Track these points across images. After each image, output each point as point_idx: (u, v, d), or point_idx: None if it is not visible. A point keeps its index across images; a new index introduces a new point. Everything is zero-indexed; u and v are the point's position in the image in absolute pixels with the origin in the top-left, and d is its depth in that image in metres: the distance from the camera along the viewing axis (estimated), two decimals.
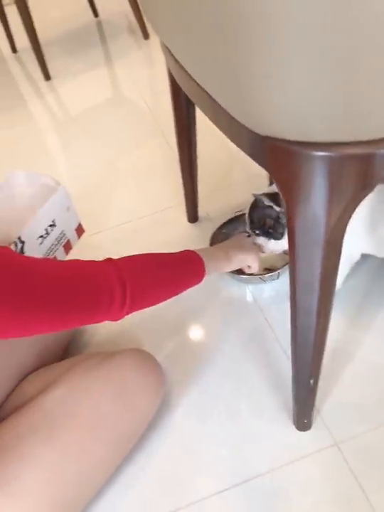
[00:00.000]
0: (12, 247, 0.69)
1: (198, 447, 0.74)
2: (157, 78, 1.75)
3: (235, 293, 0.95)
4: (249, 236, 0.86)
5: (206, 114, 0.59)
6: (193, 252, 0.73)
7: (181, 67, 0.60)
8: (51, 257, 0.79)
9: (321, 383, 0.67)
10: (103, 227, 1.17)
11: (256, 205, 0.81)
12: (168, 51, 0.67)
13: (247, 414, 0.76)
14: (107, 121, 1.60)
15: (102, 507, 0.70)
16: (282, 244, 0.82)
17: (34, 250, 0.72)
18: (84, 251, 0.88)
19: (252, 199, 0.81)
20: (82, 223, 0.88)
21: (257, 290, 0.94)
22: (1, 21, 2.10)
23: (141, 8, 0.67)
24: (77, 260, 0.58)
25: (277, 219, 0.79)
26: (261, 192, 0.79)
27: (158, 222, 1.14)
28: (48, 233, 0.74)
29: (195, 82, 0.54)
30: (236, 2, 0.33)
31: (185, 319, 0.92)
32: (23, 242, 0.69)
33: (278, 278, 0.92)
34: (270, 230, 0.80)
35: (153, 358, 0.75)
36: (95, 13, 2.25)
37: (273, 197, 0.78)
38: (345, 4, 0.30)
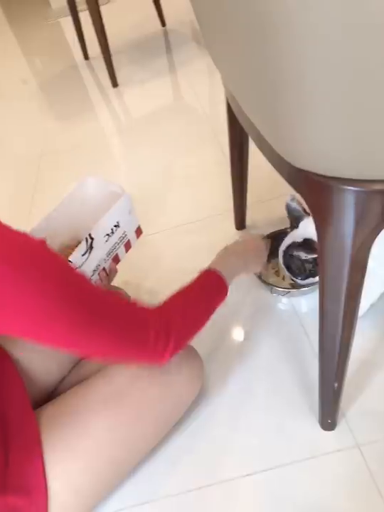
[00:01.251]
0: (83, 242, 0.78)
1: (230, 434, 0.82)
2: (217, 88, 1.83)
3: (273, 299, 1.02)
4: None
5: (253, 140, 0.67)
6: (213, 272, 0.78)
7: (233, 95, 0.68)
8: (114, 253, 0.88)
9: (348, 389, 0.73)
10: (157, 228, 1.27)
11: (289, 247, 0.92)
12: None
13: (277, 409, 0.83)
14: (166, 127, 1.71)
15: (144, 475, 0.80)
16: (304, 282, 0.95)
17: (101, 246, 0.82)
18: (141, 249, 0.98)
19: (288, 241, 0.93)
20: (140, 226, 0.98)
21: (295, 298, 1.01)
22: (76, 29, 2.27)
23: (203, 42, 0.75)
24: (133, 302, 0.65)
25: (303, 263, 0.89)
26: (291, 241, 0.91)
27: (208, 226, 1.23)
28: (113, 232, 0.84)
29: (247, 115, 0.62)
30: (278, 57, 0.41)
31: (227, 320, 1.00)
32: (92, 239, 0.79)
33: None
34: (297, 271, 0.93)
35: (196, 352, 0.83)
36: (163, 23, 2.38)
37: (308, 245, 0.88)
38: (368, 65, 0.37)
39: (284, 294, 1.00)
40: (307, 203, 0.54)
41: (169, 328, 0.64)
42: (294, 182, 0.53)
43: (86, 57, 2.36)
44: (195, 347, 0.84)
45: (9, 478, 0.64)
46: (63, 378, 0.84)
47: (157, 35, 2.36)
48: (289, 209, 0.94)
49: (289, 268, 0.95)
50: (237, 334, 0.99)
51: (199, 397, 0.85)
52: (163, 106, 1.85)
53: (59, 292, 0.51)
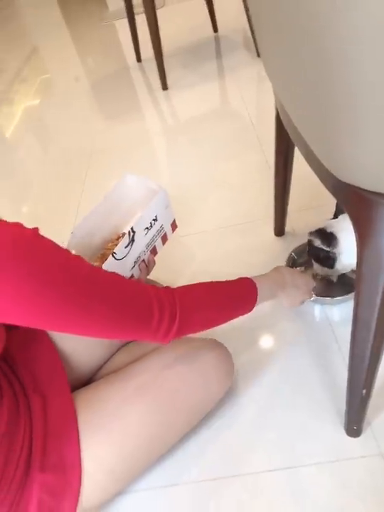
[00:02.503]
0: (126, 236, 0.84)
1: (256, 431, 0.86)
2: (264, 96, 1.86)
3: (307, 305, 1.04)
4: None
5: (300, 152, 0.70)
6: (251, 282, 0.78)
7: (285, 109, 0.72)
8: (152, 246, 0.94)
9: (376, 399, 0.75)
10: (194, 230, 1.31)
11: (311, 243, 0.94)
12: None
13: (304, 411, 0.86)
14: (212, 132, 1.75)
15: (172, 460, 0.84)
16: (334, 271, 0.95)
17: (141, 239, 0.87)
18: (175, 250, 1.02)
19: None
20: (175, 220, 1.03)
21: (328, 306, 1.02)
22: (131, 31, 2.35)
23: (260, 55, 0.79)
24: (140, 282, 0.67)
25: (328, 254, 0.90)
26: (321, 227, 0.92)
27: (246, 231, 1.26)
28: (151, 226, 0.89)
29: (295, 126, 0.65)
30: (332, 73, 0.44)
31: (259, 323, 1.03)
32: (134, 232, 0.85)
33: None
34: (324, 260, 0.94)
35: (227, 350, 0.87)
36: (215, 28, 2.43)
37: (327, 237, 0.90)
38: None
39: (314, 300, 1.02)
40: (350, 215, 0.56)
41: (176, 311, 0.63)
42: (338, 195, 0.56)
43: (139, 59, 2.44)
44: (226, 345, 0.88)
45: (47, 457, 0.68)
46: (100, 368, 0.89)
47: (208, 41, 2.41)
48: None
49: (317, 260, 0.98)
50: (268, 337, 1.02)
51: (227, 395, 0.89)
52: (210, 110, 1.90)
53: (47, 281, 0.51)
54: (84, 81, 2.66)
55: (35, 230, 0.53)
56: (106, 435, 0.73)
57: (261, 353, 0.99)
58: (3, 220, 0.51)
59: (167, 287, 0.68)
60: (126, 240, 0.83)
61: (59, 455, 0.69)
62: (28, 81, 2.89)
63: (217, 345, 0.86)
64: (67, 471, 0.69)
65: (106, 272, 0.61)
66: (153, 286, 0.65)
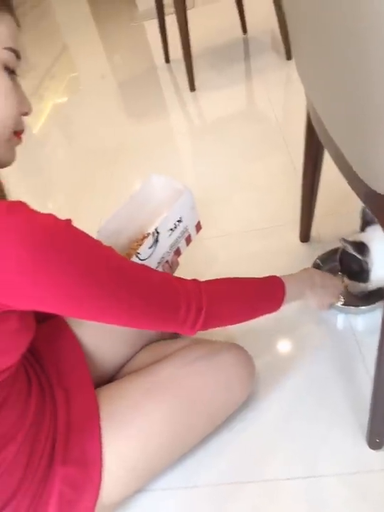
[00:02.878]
0: (150, 236, 0.84)
1: (276, 437, 0.85)
2: (292, 99, 1.85)
3: (331, 314, 1.02)
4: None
5: (332, 158, 0.69)
6: (279, 280, 0.78)
7: (317, 113, 0.71)
8: (176, 246, 0.94)
9: None
10: (218, 232, 1.31)
11: (345, 250, 0.91)
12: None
13: (325, 421, 0.85)
14: (238, 133, 1.75)
15: (192, 461, 0.84)
16: (366, 287, 0.92)
17: (165, 240, 0.88)
18: (198, 251, 1.02)
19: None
20: (200, 221, 1.03)
21: (352, 315, 1.00)
22: (161, 32, 2.36)
23: (293, 57, 0.78)
24: (168, 274, 0.67)
25: (361, 265, 0.88)
26: (350, 239, 0.89)
27: (270, 236, 1.25)
28: (176, 227, 0.90)
29: (328, 132, 0.64)
30: (372, 81, 0.43)
31: (283, 328, 1.02)
32: (158, 233, 0.85)
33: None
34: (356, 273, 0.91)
35: (249, 355, 0.86)
36: (244, 30, 2.42)
37: (359, 246, 0.87)
38: None
39: (341, 311, 1.01)
40: (381, 224, 0.55)
41: (203, 302, 0.65)
42: (369, 203, 0.55)
43: (167, 60, 2.44)
44: (247, 348, 0.87)
45: (69, 450, 0.69)
46: (122, 366, 0.90)
47: (237, 42, 2.40)
48: (364, 212, 0.94)
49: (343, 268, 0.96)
50: (291, 342, 1.01)
51: (249, 400, 0.89)
52: (236, 112, 1.89)
53: (82, 267, 0.52)
54: (111, 80, 2.68)
55: (68, 220, 0.54)
56: (128, 432, 0.74)
57: (283, 358, 0.98)
58: (37, 211, 0.52)
59: (194, 279, 0.68)
60: (150, 240, 0.83)
61: (81, 449, 0.70)
62: (57, 78, 2.94)
63: (238, 348, 0.86)
64: (89, 465, 0.70)
65: (135, 263, 0.62)
66: (180, 278, 0.66)
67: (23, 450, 0.66)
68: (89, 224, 1.48)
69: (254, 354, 0.88)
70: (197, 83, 2.09)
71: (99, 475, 0.70)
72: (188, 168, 1.71)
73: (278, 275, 0.80)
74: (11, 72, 0.57)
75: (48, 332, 0.82)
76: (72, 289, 0.53)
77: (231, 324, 0.73)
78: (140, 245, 0.93)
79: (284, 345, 1.01)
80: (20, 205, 0.51)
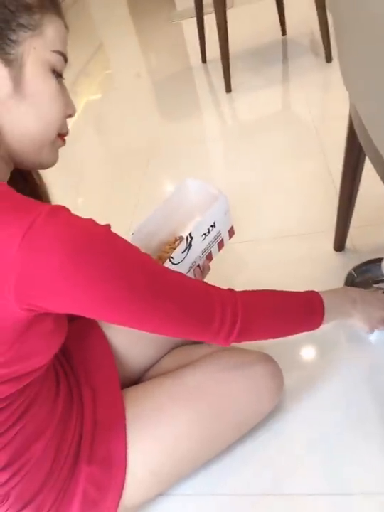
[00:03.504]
0: (183, 241, 0.84)
1: (301, 450, 0.83)
2: (330, 103, 1.81)
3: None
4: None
5: (374, 166, 0.67)
6: (318, 297, 0.74)
7: (360, 119, 0.68)
8: (208, 251, 0.93)
9: None
10: (248, 237, 1.29)
11: None
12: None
13: (353, 437, 0.82)
14: (272, 137, 1.72)
15: (215, 469, 0.83)
16: None
17: (198, 244, 0.87)
18: (228, 256, 1.01)
19: None
20: (233, 226, 1.02)
21: None
22: (199, 32, 2.35)
23: (339, 61, 0.76)
24: (204, 282, 0.65)
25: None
26: None
27: (302, 243, 1.23)
28: (209, 232, 0.89)
29: (372, 141, 0.62)
30: None
31: (313, 338, 1.00)
32: (192, 238, 0.85)
33: None
34: None
35: (277, 364, 0.85)
36: (283, 31, 2.38)
37: None
38: None
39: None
40: None
41: (238, 314, 0.63)
42: None
43: (203, 60, 2.43)
44: (277, 358, 0.86)
45: (95, 450, 0.70)
46: (148, 369, 0.90)
47: (275, 44, 2.37)
48: None
49: None
50: (322, 355, 0.99)
51: (276, 410, 0.87)
52: (272, 115, 1.87)
53: (120, 272, 0.52)
54: (146, 79, 2.69)
55: (108, 226, 0.54)
56: (153, 435, 0.73)
57: (312, 370, 0.95)
58: (77, 216, 0.52)
59: (230, 289, 0.67)
60: (183, 245, 0.83)
61: (106, 450, 0.70)
62: (91, 75, 2.97)
63: (268, 359, 0.84)
64: (113, 466, 0.70)
65: (172, 270, 0.61)
66: (216, 287, 0.65)
67: (50, 447, 0.66)
68: (120, 223, 1.49)
69: (283, 364, 0.86)
70: (233, 84, 2.08)
71: (123, 476, 0.70)
72: (220, 171, 1.69)
73: (318, 292, 0.76)
74: (58, 75, 0.58)
75: (78, 330, 0.83)
76: (110, 293, 0.53)
77: (266, 339, 0.71)
78: (173, 249, 0.93)
79: (313, 357, 0.99)
80: (61, 210, 0.51)
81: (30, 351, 0.57)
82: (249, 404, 0.80)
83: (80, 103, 2.59)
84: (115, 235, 0.55)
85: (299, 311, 0.73)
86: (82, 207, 1.70)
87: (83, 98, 2.67)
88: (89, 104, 2.59)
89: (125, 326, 0.58)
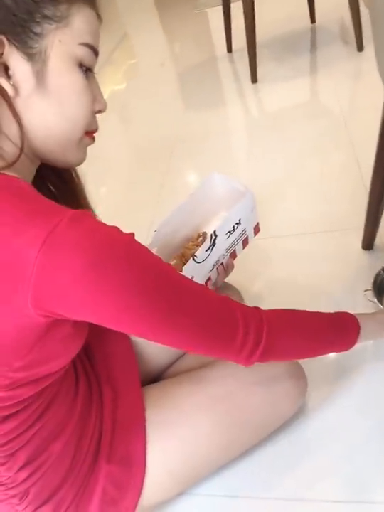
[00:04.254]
0: (207, 239, 0.82)
1: (324, 456, 0.81)
2: (361, 93, 1.74)
3: None
4: None
5: None
6: (351, 318, 0.71)
7: None
8: (232, 249, 0.91)
9: None
10: (273, 233, 1.25)
11: None
12: None
13: (377, 444, 0.79)
14: (299, 129, 1.67)
15: (235, 470, 0.82)
16: None
17: (222, 242, 0.85)
18: (252, 252, 0.98)
19: None
20: (259, 223, 0.99)
21: None
22: (225, 20, 2.29)
23: (375, 52, 0.72)
24: (228, 298, 0.62)
25: None
26: None
27: (329, 240, 1.18)
28: (234, 230, 0.86)
29: None
30: None
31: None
32: (216, 235, 0.82)
33: None
34: None
35: (302, 370, 0.82)
36: (313, 19, 2.30)
37: None
38: None
39: None
40: None
41: (263, 335, 0.60)
42: None
43: (229, 49, 2.38)
44: (303, 365, 0.83)
45: (114, 449, 0.69)
46: (169, 365, 0.89)
47: (304, 31, 2.29)
48: None
49: None
50: (347, 361, 0.95)
51: (298, 414, 0.85)
52: (299, 106, 1.81)
53: (141, 283, 0.50)
54: (170, 68, 2.66)
55: (132, 234, 0.52)
56: (173, 437, 0.73)
57: (336, 375, 0.92)
58: (102, 223, 0.51)
59: (256, 307, 0.64)
60: (207, 243, 0.81)
61: (125, 449, 0.70)
62: (116, 64, 2.95)
63: (292, 364, 0.81)
64: (132, 466, 0.69)
65: (194, 283, 0.58)
66: (242, 304, 0.62)
67: (69, 445, 0.66)
68: (142, 215, 1.48)
69: (306, 367, 0.83)
70: (259, 74, 2.02)
71: (142, 476, 0.70)
72: (245, 163, 1.66)
73: (352, 313, 0.72)
74: (86, 69, 0.55)
75: (99, 327, 0.82)
76: (128, 305, 0.50)
77: (292, 359, 0.69)
78: (196, 245, 0.91)
79: (338, 362, 0.95)
80: (85, 215, 0.49)
81: (49, 355, 0.55)
82: (269, 409, 0.78)
83: (104, 92, 2.57)
84: (138, 245, 0.52)
85: (330, 334, 0.69)
86: (104, 196, 1.70)
87: (108, 87, 2.65)
88: (113, 94, 2.58)
89: (143, 338, 0.56)
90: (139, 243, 0.53)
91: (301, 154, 1.55)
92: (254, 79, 2.01)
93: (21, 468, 0.61)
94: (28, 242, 0.45)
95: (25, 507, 0.64)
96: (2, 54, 0.50)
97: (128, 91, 2.58)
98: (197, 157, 1.72)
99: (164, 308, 0.53)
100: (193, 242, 0.93)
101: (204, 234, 0.94)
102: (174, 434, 0.73)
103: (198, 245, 0.91)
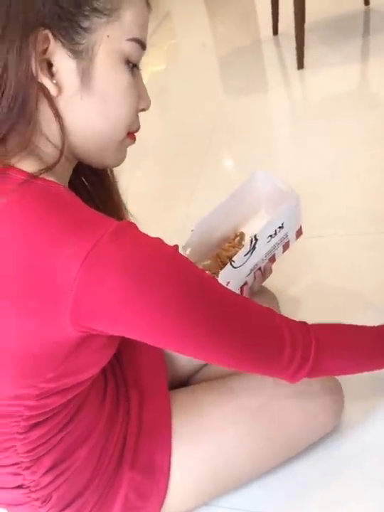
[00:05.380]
0: (247, 243, 0.77)
1: (359, 475, 0.76)
2: None
3: None
4: None
5: None
6: None
7: None
8: (272, 253, 0.86)
9: None
10: (314, 233, 1.18)
11: None
12: None
13: None
14: (347, 120, 1.57)
15: (263, 486, 0.78)
16: None
17: (262, 246, 0.80)
18: (290, 254, 0.92)
19: None
20: (302, 227, 0.93)
21: None
22: (272, 1, 2.17)
23: None
24: (273, 312, 0.58)
25: None
26: None
27: (376, 244, 1.10)
28: (276, 234, 0.81)
29: None
30: None
31: None
32: (257, 240, 0.78)
33: None
34: None
35: (340, 387, 0.78)
36: (366, 1, 2.16)
37: None
38: None
39: None
40: None
41: (311, 351, 0.57)
42: None
43: (275, 32, 2.27)
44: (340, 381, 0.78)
45: (138, 455, 0.67)
46: (200, 368, 0.86)
47: (357, 14, 2.15)
48: None
49: None
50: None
51: (334, 431, 0.80)
52: (347, 95, 1.70)
53: (183, 303, 0.48)
54: (212, 50, 2.57)
55: (175, 247, 0.49)
56: (199, 447, 0.70)
57: (376, 391, 0.86)
58: (145, 234, 0.48)
59: (303, 322, 0.60)
60: (247, 247, 0.76)
61: (150, 457, 0.68)
62: (156, 45, 2.89)
63: (329, 379, 0.77)
64: (156, 474, 0.68)
65: (239, 296, 0.55)
66: (288, 319, 0.58)
67: (95, 449, 0.65)
68: (177, 206, 1.44)
69: (343, 381, 0.78)
70: (306, 60, 1.92)
71: (166, 486, 0.68)
72: (287, 155, 1.58)
73: None
74: (133, 65, 0.52)
75: None
76: (170, 321, 0.48)
77: (340, 375, 0.66)
78: (232, 246, 0.87)
79: (377, 376, 0.89)
80: (128, 228, 0.46)
81: (82, 365, 0.54)
82: (303, 426, 0.73)
83: (143, 74, 2.53)
84: (181, 258, 0.50)
85: (376, 348, 0.65)
86: (140, 180, 1.66)
87: (147, 69, 2.60)
88: (152, 76, 2.53)
89: (185, 355, 0.54)
90: (182, 256, 0.50)
91: (349, 147, 1.45)
92: (300, 65, 1.91)
93: (46, 473, 0.60)
94: (70, 256, 0.43)
95: (48, 510, 0.63)
96: (46, 50, 0.46)
97: (167, 74, 2.52)
98: (236, 147, 1.66)
99: (208, 326, 0.50)
100: (229, 242, 0.88)
101: (241, 234, 0.90)
102: (201, 445, 0.70)
103: (235, 246, 0.88)
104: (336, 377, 0.77)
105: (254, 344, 0.54)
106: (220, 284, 0.55)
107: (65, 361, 0.51)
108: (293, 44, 1.90)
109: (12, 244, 0.45)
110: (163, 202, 1.49)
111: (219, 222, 0.86)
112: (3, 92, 0.46)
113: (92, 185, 0.65)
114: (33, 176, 0.46)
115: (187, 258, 0.51)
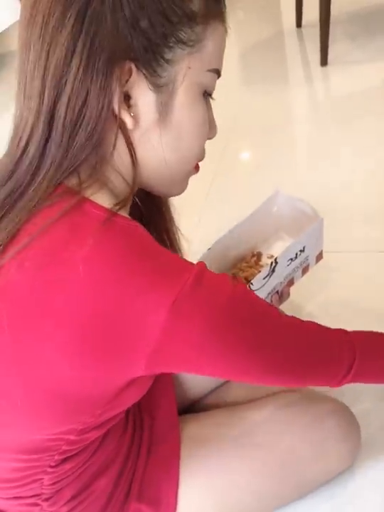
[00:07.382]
0: (266, 266, 0.73)
1: None
2: None
3: None
4: None
5: None
6: None
7: None
8: (290, 277, 0.82)
9: None
10: (335, 247, 1.10)
11: None
12: None
13: None
14: (372, 123, 1.50)
15: None
16: None
17: (282, 269, 0.77)
18: (319, 270, 0.88)
19: None
20: (323, 251, 0.88)
21: None
22: None
23: None
24: (316, 325, 0.58)
25: None
26: None
27: None
28: (296, 257, 0.79)
29: None
30: None
31: None
32: (277, 263, 0.74)
33: None
34: None
35: (356, 422, 0.74)
36: None
37: None
38: None
39: None
40: None
41: (355, 358, 0.58)
42: None
43: (299, 24, 2.16)
44: (355, 412, 0.74)
45: (145, 486, 0.66)
46: (212, 390, 0.83)
47: None
48: None
49: None
50: None
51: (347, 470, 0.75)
52: (374, 96, 1.61)
53: (257, 341, 0.49)
54: (230, 42, 2.45)
55: (243, 284, 0.51)
56: (207, 482, 0.68)
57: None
58: (214, 274, 0.46)
59: (342, 329, 0.60)
60: (266, 270, 0.72)
61: (156, 490, 0.66)
62: None
63: (346, 416, 0.73)
64: (161, 507, 0.65)
65: (300, 322, 0.55)
66: (328, 328, 0.58)
67: (112, 479, 0.64)
68: (189, 210, 1.38)
69: (361, 416, 0.74)
70: (330, 56, 1.83)
71: None
72: (306, 159, 1.51)
73: None
74: (207, 95, 0.50)
75: None
76: (245, 358, 0.49)
77: (377, 383, 0.65)
78: (249, 267, 0.83)
79: None
80: (203, 272, 0.45)
81: (127, 399, 0.54)
82: (315, 465, 0.70)
83: None
84: (248, 294, 0.50)
85: None
86: None
87: None
88: None
89: (247, 383, 0.59)
90: (248, 291, 0.51)
91: (373, 152, 1.38)
92: (324, 61, 1.82)
93: (65, 504, 0.59)
94: (156, 304, 0.42)
95: None
96: (127, 82, 0.45)
97: None
98: (254, 149, 1.59)
99: (281, 357, 0.51)
100: (246, 262, 0.84)
101: (258, 254, 0.86)
102: (209, 480, 0.68)
103: (252, 266, 0.84)
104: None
105: (314, 365, 0.55)
106: (280, 311, 0.55)
107: (116, 398, 0.50)
108: (317, 38, 1.81)
109: (103, 286, 0.43)
110: (175, 201, 1.43)
111: (237, 241, 0.83)
112: (81, 124, 0.44)
113: (145, 205, 0.63)
114: (113, 214, 0.44)
115: (250, 291, 0.51)
